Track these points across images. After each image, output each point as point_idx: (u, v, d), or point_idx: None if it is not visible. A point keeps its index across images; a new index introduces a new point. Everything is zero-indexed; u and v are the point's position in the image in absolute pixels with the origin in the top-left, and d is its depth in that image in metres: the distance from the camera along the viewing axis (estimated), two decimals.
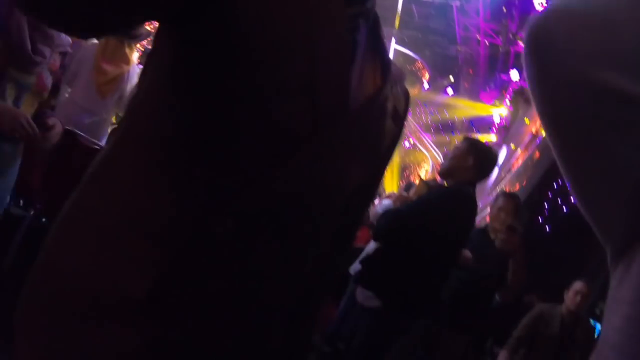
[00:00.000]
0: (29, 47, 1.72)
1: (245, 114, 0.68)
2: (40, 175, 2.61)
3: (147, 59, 0.78)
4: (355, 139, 0.76)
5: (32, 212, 2.69)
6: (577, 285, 3.96)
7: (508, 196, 3.41)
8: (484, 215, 9.10)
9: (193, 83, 0.69)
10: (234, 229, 0.68)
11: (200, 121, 0.69)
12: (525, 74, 0.54)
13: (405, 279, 2.48)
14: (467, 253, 2.89)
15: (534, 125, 10.06)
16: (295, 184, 0.72)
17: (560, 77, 0.50)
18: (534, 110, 10.90)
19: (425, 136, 17.37)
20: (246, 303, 0.73)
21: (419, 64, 16.94)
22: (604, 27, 0.46)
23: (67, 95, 3.09)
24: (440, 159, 14.78)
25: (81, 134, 2.56)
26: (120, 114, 2.87)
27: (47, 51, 1.82)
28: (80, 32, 0.68)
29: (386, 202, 3.40)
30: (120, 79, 2.77)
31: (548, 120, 0.54)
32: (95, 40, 3.24)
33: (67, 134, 2.40)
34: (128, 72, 2.82)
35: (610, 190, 0.52)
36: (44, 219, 2.72)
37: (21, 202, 3.05)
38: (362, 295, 2.63)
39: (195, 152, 0.69)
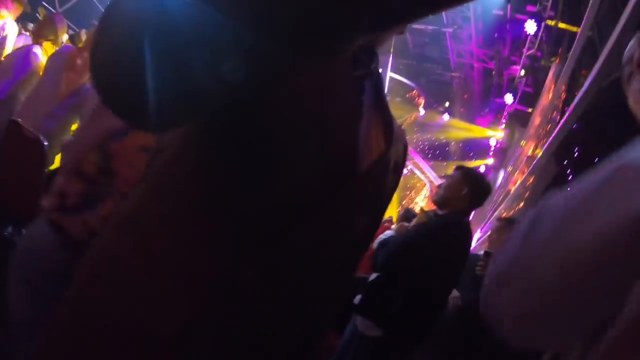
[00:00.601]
0: None
1: (266, 183, 0.74)
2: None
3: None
4: (362, 196, 0.83)
5: None
6: None
7: (504, 221, 3.44)
8: (484, 239, 9.11)
9: (213, 147, 0.75)
10: (257, 277, 0.74)
11: (222, 183, 0.74)
12: None
13: (403, 307, 2.50)
14: (456, 300, 2.89)
15: (530, 147, 10.14)
16: (311, 239, 0.78)
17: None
18: (529, 133, 10.97)
19: (423, 162, 17.46)
20: (262, 341, 0.78)
21: (415, 92, 17.14)
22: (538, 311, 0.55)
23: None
24: (437, 182, 14.81)
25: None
26: None
27: None
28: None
29: (389, 233, 3.41)
30: None
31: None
32: None
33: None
34: None
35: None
36: None
37: (23, 231, 3.06)
38: (363, 325, 2.64)
39: (223, 211, 0.74)
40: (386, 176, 0.90)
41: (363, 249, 0.97)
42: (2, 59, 3.62)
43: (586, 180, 0.53)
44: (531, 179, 8.40)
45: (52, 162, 3.08)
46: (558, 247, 0.52)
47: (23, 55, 3.37)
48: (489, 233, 3.45)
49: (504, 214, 8.97)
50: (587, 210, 0.51)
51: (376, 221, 0.97)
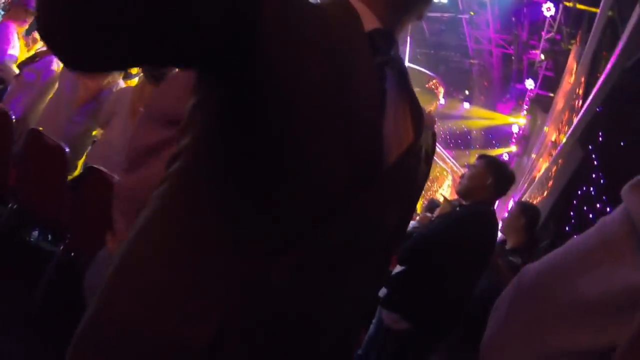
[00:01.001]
0: None
1: (290, 180, 0.71)
2: (70, 210, 2.67)
3: (191, 111, 0.79)
4: (393, 188, 0.81)
5: (61, 247, 2.74)
6: None
7: (521, 205, 3.43)
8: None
9: (234, 145, 0.72)
10: (286, 275, 0.72)
11: (246, 182, 0.72)
12: None
13: (430, 299, 2.49)
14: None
15: (553, 133, 9.97)
16: (341, 235, 0.76)
17: None
18: (552, 118, 10.80)
19: (445, 151, 17.31)
20: (295, 341, 0.76)
21: (435, 82, 16.95)
22: None
23: (100, 136, 3.18)
24: (459, 171, 14.68)
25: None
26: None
27: None
28: (91, 68, 0.65)
29: (412, 224, 3.39)
30: None
31: None
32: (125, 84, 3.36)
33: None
34: None
35: None
36: (72, 254, 2.77)
37: (49, 236, 3.13)
38: (389, 318, 2.63)
39: (247, 210, 0.72)
40: (417, 166, 0.88)
41: (395, 243, 0.94)
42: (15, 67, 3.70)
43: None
44: (555, 166, 8.26)
45: (75, 168, 3.13)
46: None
47: (46, 68, 3.43)
48: (506, 215, 3.43)
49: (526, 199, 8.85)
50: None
51: (408, 214, 0.95)
